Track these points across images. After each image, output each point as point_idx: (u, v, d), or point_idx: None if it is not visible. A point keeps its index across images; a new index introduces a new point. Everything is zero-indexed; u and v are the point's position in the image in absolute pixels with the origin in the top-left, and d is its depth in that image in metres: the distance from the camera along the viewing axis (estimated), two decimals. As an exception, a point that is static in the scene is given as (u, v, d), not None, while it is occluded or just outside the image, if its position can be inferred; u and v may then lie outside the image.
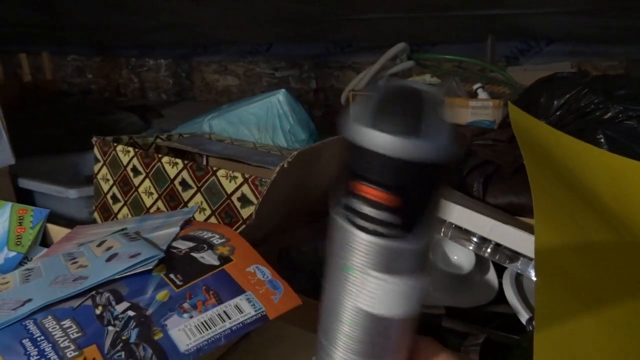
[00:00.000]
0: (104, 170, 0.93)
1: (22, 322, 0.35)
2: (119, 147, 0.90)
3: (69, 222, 1.05)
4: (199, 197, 0.81)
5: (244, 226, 0.77)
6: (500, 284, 0.60)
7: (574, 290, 0.41)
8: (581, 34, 1.62)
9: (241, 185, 0.76)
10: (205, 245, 0.42)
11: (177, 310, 0.36)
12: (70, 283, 0.38)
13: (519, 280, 0.58)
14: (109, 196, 0.94)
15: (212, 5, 1.94)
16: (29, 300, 0.37)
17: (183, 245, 0.43)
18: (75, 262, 0.42)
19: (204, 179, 0.80)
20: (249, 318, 0.36)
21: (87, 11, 2.21)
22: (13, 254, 0.58)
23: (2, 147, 1.06)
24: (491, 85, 1.37)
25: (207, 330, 0.35)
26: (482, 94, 1.22)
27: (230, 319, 0.35)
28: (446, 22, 1.71)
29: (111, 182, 0.93)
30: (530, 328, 0.52)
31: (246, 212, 0.77)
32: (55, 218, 0.69)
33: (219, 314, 0.36)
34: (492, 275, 0.63)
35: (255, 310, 0.36)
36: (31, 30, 2.55)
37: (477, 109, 1.15)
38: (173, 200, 0.84)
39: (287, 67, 2.25)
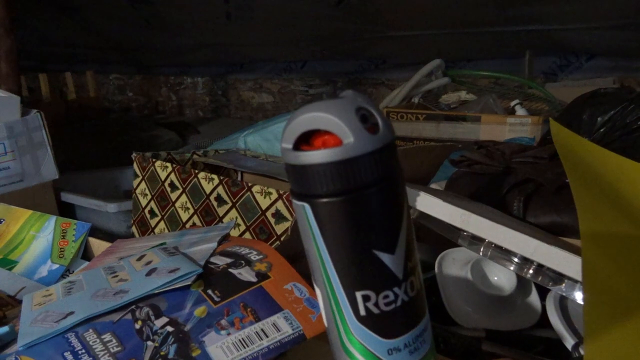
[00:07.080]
0: (143, 185, 0.95)
1: (64, 335, 0.36)
2: (158, 163, 0.92)
3: (108, 235, 1.08)
4: (233, 213, 0.81)
5: (278, 242, 0.77)
6: (544, 306, 0.58)
7: (625, 315, 0.39)
8: (624, 49, 1.57)
9: (276, 201, 0.76)
10: (242, 262, 0.42)
11: (215, 326, 0.36)
12: (111, 297, 0.39)
13: (563, 304, 0.55)
14: (146, 211, 0.95)
15: (248, 25, 1.98)
16: (71, 313, 0.38)
17: (220, 261, 0.43)
18: (116, 276, 0.43)
19: (239, 195, 0.80)
20: (286, 337, 0.35)
21: (129, 32, 2.30)
22: (56, 266, 0.60)
23: (47, 162, 1.10)
24: (529, 102, 1.34)
25: (245, 348, 0.34)
26: (520, 111, 1.19)
27: (267, 337, 0.35)
28: (482, 38, 1.69)
29: (149, 196, 0.94)
30: (577, 354, 0.50)
31: (280, 228, 0.77)
32: (94, 231, 0.70)
33: (256, 332, 0.35)
34: (534, 297, 0.61)
35: (293, 329, 0.36)
36: (76, 51, 2.66)
37: (515, 126, 1.12)
38: (208, 215, 0.85)
39: (321, 84, 2.26)
